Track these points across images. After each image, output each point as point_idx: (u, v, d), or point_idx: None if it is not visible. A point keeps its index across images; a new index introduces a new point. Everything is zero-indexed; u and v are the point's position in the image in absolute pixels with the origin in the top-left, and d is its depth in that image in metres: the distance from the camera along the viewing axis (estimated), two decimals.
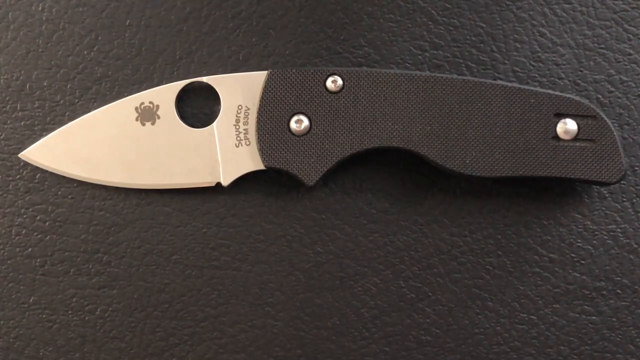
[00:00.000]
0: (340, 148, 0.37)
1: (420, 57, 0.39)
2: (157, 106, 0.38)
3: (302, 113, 0.37)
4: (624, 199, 0.39)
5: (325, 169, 0.37)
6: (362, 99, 0.37)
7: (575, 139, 0.36)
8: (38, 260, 0.38)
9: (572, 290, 0.38)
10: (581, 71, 0.39)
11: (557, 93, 0.37)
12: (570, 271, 0.38)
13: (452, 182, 0.39)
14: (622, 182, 0.38)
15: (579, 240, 0.38)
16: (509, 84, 0.37)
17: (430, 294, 0.38)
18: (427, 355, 0.38)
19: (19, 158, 0.38)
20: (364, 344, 0.38)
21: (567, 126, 0.36)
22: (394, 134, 0.37)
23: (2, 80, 0.39)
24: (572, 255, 0.38)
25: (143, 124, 0.38)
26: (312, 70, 0.37)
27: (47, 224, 0.39)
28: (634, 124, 0.39)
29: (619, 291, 0.38)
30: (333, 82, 0.37)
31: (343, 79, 0.37)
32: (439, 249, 0.38)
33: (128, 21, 0.39)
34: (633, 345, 0.38)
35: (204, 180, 0.38)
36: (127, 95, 0.38)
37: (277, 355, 0.38)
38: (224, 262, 0.38)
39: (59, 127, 0.38)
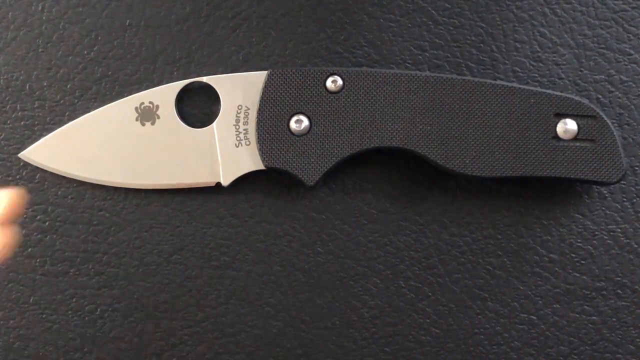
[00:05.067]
0: (340, 148, 0.37)
1: (420, 57, 0.39)
2: (157, 106, 0.38)
3: (302, 113, 0.37)
4: (624, 199, 0.39)
5: (325, 169, 0.37)
6: (362, 99, 0.37)
7: (575, 139, 0.36)
8: (38, 260, 0.38)
9: (572, 291, 0.38)
10: (581, 71, 0.39)
11: (557, 93, 0.37)
12: (571, 271, 0.38)
13: (452, 182, 0.39)
14: (622, 182, 0.38)
15: (579, 241, 0.38)
16: (509, 84, 0.37)
17: (430, 294, 0.38)
18: (427, 355, 0.38)
19: (19, 158, 0.38)
20: (364, 344, 0.38)
21: (567, 126, 0.36)
22: (394, 134, 0.37)
23: (2, 80, 0.39)
24: (572, 255, 0.38)
25: (143, 124, 0.38)
26: (312, 70, 0.37)
27: (47, 224, 0.39)
28: (634, 124, 0.39)
29: (619, 291, 0.38)
30: (333, 82, 0.37)
31: (343, 79, 0.37)
32: (439, 249, 0.38)
33: (128, 21, 0.39)
34: (633, 345, 0.38)
35: (204, 180, 0.38)
36: (127, 95, 0.38)
37: (277, 355, 0.38)
38: (224, 262, 0.38)
39: (59, 127, 0.38)
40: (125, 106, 0.38)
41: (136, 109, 0.38)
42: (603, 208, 0.39)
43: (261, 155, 0.37)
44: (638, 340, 0.38)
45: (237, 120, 0.37)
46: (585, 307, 0.38)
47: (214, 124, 0.37)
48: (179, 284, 0.38)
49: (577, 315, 0.38)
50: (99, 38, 0.39)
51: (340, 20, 0.40)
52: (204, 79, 0.38)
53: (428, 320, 0.38)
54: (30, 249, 0.38)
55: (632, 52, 0.39)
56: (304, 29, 0.39)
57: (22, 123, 0.39)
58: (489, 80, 0.37)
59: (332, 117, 0.37)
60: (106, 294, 0.38)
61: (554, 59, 0.39)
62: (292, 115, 0.37)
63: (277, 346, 0.38)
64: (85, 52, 0.39)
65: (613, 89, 0.39)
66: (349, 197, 0.39)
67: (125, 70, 0.39)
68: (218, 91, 0.37)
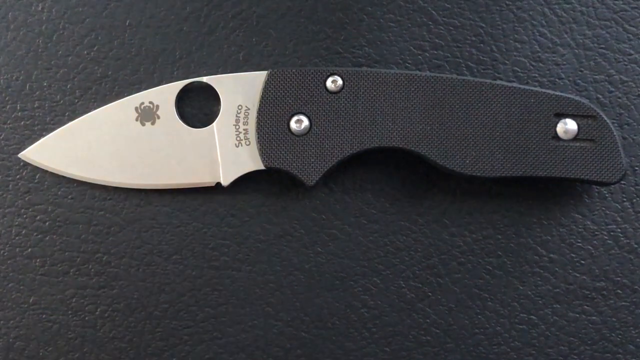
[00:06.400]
0: (340, 148, 0.37)
1: (420, 57, 0.39)
2: (157, 106, 0.38)
3: (302, 113, 0.37)
4: (624, 199, 0.39)
5: (325, 169, 0.37)
6: (362, 99, 0.37)
7: (575, 139, 0.36)
8: (38, 260, 0.38)
9: (572, 290, 0.38)
10: (581, 71, 0.39)
11: (557, 93, 0.37)
12: (570, 271, 0.38)
13: (452, 182, 0.39)
14: (622, 182, 0.38)
15: (579, 241, 0.38)
16: (509, 84, 0.37)
17: (430, 294, 0.38)
18: (427, 355, 0.38)
19: (19, 158, 0.38)
20: (364, 344, 0.38)
21: (567, 126, 0.36)
22: (394, 134, 0.37)
23: (2, 80, 0.39)
24: (572, 255, 0.38)
25: (143, 124, 0.38)
26: (312, 70, 0.37)
27: (47, 224, 0.39)
28: (634, 124, 0.39)
29: (619, 291, 0.38)
30: (333, 82, 0.37)
31: (343, 79, 0.37)
32: (439, 249, 0.38)
33: (128, 21, 0.39)
34: (633, 345, 0.38)
35: (204, 180, 0.38)
36: (127, 95, 0.38)
37: (277, 355, 0.38)
38: (224, 262, 0.38)
39: (59, 127, 0.38)
40: (125, 106, 0.38)
41: (136, 109, 0.38)
42: (603, 208, 0.39)
43: (261, 155, 0.37)
44: (638, 340, 0.38)
45: (237, 120, 0.37)
46: (585, 307, 0.38)
47: (214, 124, 0.37)
48: (179, 284, 0.38)
49: (577, 315, 0.38)
50: (99, 38, 0.39)
51: (340, 20, 0.40)
52: (204, 79, 0.38)
53: (428, 320, 0.38)
54: (30, 249, 0.38)
55: (632, 52, 0.39)
56: (304, 29, 0.39)
57: (22, 123, 0.39)
58: (489, 80, 0.37)
59: (332, 117, 0.37)
60: (106, 294, 0.38)
61: (554, 59, 0.39)
62: (292, 115, 0.37)
63: (277, 346, 0.38)
64: (85, 52, 0.39)
65: (613, 89, 0.39)
66: (349, 197, 0.39)
67: (125, 70, 0.39)
68: (218, 91, 0.37)
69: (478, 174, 0.36)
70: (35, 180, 0.39)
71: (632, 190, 0.39)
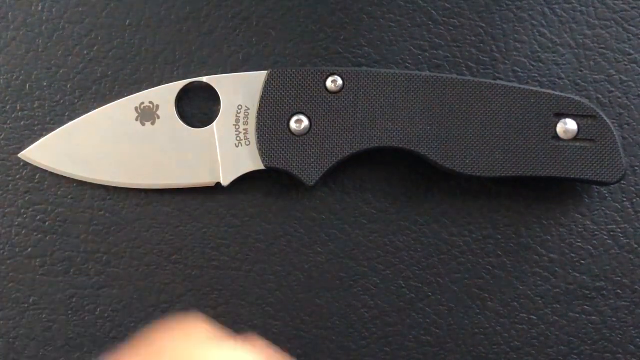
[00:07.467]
0: (340, 148, 0.37)
1: (420, 57, 0.39)
2: (157, 106, 0.38)
3: (302, 113, 0.37)
4: (624, 199, 0.39)
5: (325, 169, 0.37)
6: (362, 99, 0.37)
7: (575, 139, 0.36)
8: (38, 260, 0.38)
9: (572, 290, 0.38)
10: (581, 71, 0.39)
11: (557, 93, 0.37)
12: (570, 271, 0.38)
13: (452, 182, 0.39)
14: (622, 182, 0.38)
15: (579, 240, 0.38)
16: (509, 84, 0.37)
17: (430, 294, 0.38)
18: (427, 355, 0.38)
19: (19, 158, 0.38)
20: (364, 344, 0.38)
21: (567, 126, 0.36)
22: (394, 134, 0.37)
23: (2, 80, 0.39)
24: (572, 255, 0.38)
25: (143, 124, 0.38)
26: (312, 70, 0.37)
27: (47, 224, 0.39)
28: (634, 124, 0.39)
29: (619, 291, 0.38)
30: (333, 82, 0.37)
31: (343, 79, 0.37)
32: (439, 249, 0.38)
33: (128, 21, 0.39)
34: (633, 345, 0.38)
35: (204, 180, 0.38)
36: (127, 95, 0.38)
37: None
38: (224, 262, 0.38)
39: (59, 127, 0.38)
40: (125, 106, 0.38)
41: (136, 109, 0.38)
42: (603, 208, 0.39)
43: (261, 155, 0.37)
44: (638, 340, 0.38)
45: (237, 120, 0.37)
46: (585, 307, 0.38)
47: (214, 124, 0.37)
48: (179, 284, 0.38)
49: (577, 315, 0.38)
50: (99, 38, 0.39)
51: (340, 20, 0.40)
52: (204, 79, 0.38)
53: (428, 320, 0.38)
54: (30, 249, 0.38)
55: (632, 52, 0.39)
56: (304, 29, 0.39)
57: (22, 123, 0.39)
58: (489, 80, 0.37)
59: (332, 117, 0.37)
60: (106, 294, 0.38)
61: (554, 59, 0.39)
62: (292, 115, 0.37)
63: (277, 346, 0.38)
64: (85, 52, 0.39)
65: (613, 89, 0.39)
66: (349, 197, 0.39)
67: (125, 70, 0.39)
68: (218, 91, 0.37)
69: (478, 174, 0.36)
70: (35, 180, 0.39)
71: (632, 190, 0.39)
